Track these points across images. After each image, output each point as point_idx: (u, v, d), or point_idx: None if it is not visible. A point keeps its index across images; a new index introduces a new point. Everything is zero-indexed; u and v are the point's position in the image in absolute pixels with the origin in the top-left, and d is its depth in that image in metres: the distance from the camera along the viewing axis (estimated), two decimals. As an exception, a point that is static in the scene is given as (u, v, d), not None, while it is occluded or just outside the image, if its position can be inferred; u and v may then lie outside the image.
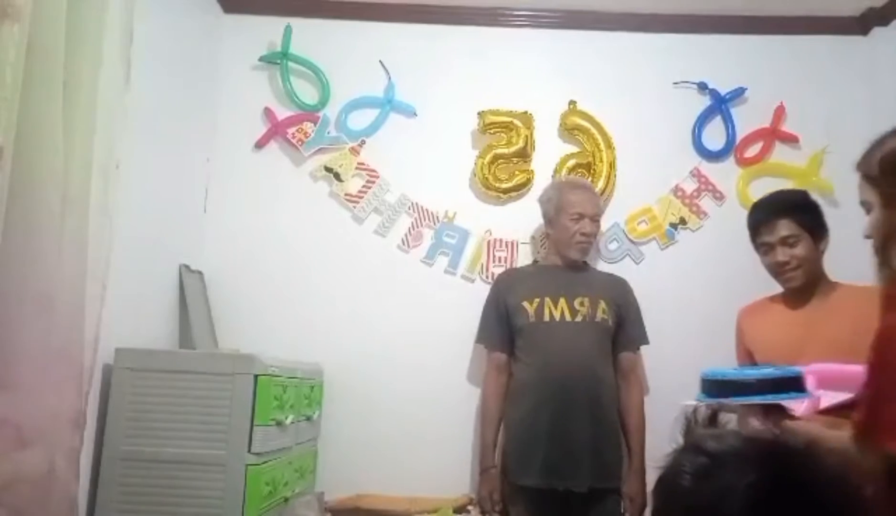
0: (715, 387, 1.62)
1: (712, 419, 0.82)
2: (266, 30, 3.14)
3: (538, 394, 2.63)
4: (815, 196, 2.38)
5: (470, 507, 2.71)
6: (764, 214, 2.29)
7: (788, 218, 2.22)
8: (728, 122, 3.10)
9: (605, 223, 3.06)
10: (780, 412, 1.55)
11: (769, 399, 1.54)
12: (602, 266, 3.03)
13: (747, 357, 2.36)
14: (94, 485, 2.18)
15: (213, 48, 3.10)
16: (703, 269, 3.01)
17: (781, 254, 2.22)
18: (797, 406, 1.57)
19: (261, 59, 3.14)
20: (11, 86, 1.50)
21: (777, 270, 2.26)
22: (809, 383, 1.63)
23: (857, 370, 1.35)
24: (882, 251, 1.40)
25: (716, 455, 0.73)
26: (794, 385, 1.57)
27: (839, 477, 0.71)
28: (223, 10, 3.16)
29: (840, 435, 1.36)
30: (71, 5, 1.71)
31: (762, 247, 2.28)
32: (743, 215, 2.39)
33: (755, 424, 1.61)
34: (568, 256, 2.81)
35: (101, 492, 2.17)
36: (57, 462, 1.70)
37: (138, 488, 2.17)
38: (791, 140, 3.07)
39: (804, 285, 2.24)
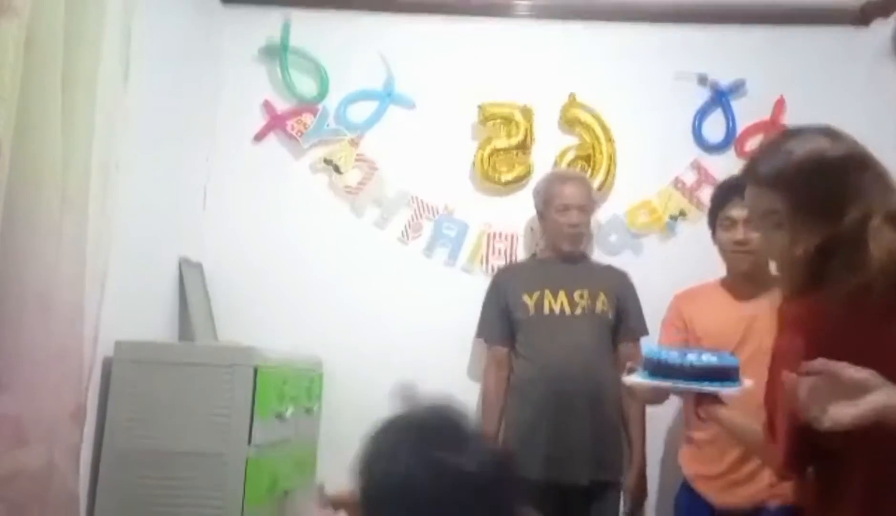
0: (656, 367, 1.67)
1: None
2: (265, 22, 3.13)
3: (538, 389, 2.63)
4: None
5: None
6: (733, 192, 2.30)
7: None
8: (728, 114, 3.09)
9: (605, 215, 3.06)
10: (714, 399, 1.63)
11: (704, 387, 1.61)
12: (602, 258, 3.02)
13: (681, 340, 2.39)
14: (94, 478, 2.19)
15: (212, 40, 3.09)
16: (704, 262, 2.99)
17: (743, 233, 2.29)
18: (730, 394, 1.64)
19: (260, 51, 3.13)
20: (10, 84, 1.50)
21: (734, 249, 2.35)
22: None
23: None
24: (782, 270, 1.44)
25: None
26: (728, 374, 1.63)
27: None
28: (221, 2, 3.14)
29: (755, 428, 1.52)
30: (70, 2, 1.70)
31: (725, 221, 2.36)
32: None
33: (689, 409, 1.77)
34: (560, 248, 2.81)
35: (101, 485, 2.19)
36: (57, 457, 1.71)
37: (138, 481, 2.18)
38: (791, 132, 3.06)
39: (750, 272, 2.33)
